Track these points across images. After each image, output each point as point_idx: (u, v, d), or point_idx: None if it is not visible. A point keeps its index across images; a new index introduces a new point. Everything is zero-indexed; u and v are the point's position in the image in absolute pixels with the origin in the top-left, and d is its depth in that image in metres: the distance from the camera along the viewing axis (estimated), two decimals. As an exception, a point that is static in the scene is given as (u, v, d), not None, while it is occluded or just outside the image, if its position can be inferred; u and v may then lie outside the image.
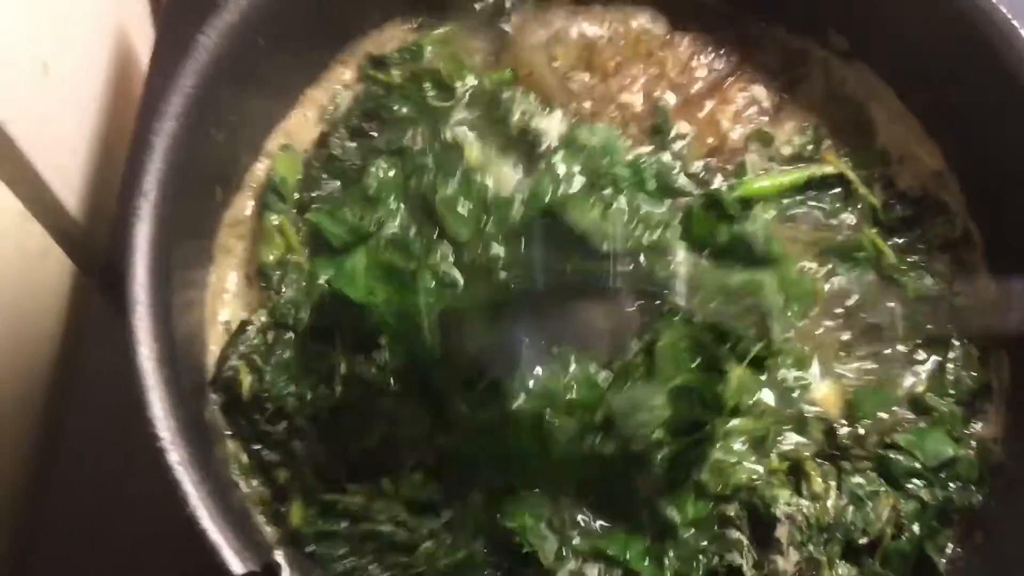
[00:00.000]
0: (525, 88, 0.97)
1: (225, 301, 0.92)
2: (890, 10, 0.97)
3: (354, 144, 0.96)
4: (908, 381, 0.94)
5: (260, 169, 0.96)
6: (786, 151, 1.00)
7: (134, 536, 0.95)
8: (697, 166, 0.98)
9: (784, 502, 0.86)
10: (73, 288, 1.10)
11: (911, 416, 0.93)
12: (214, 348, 0.90)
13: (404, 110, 0.96)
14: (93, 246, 1.11)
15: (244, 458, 0.87)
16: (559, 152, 0.88)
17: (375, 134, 0.96)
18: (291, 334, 0.89)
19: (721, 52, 1.04)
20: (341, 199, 0.93)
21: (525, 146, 0.94)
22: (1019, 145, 0.92)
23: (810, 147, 1.01)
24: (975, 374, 0.95)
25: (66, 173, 1.05)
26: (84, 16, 1.06)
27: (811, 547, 0.86)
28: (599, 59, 1.01)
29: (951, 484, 0.90)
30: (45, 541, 1.00)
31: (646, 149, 0.98)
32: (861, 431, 0.90)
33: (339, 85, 1.00)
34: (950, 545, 0.90)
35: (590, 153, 0.88)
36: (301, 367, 0.87)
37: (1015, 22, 0.89)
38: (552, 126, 0.95)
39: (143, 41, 1.18)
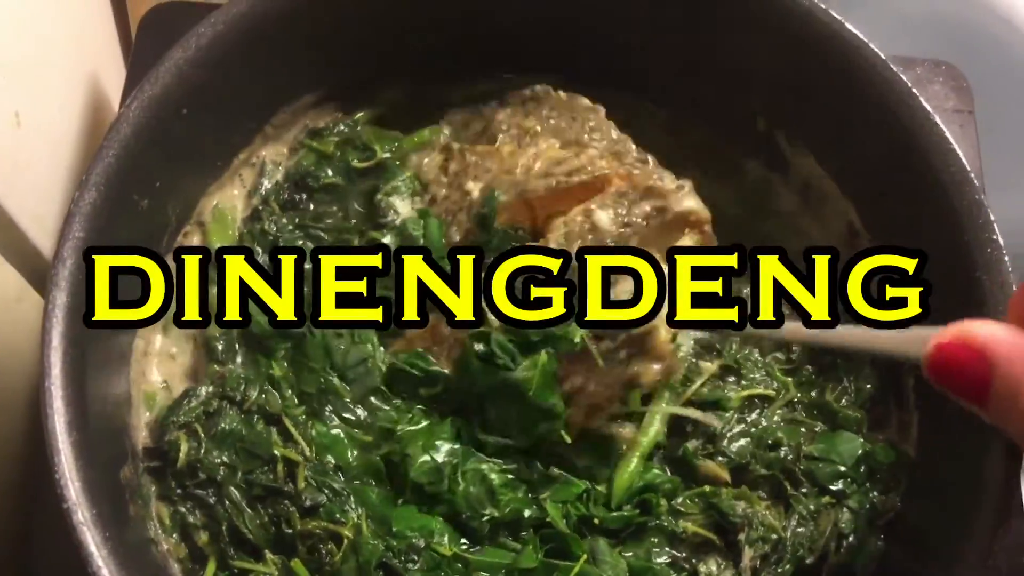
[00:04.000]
0: (415, 172, 1.03)
1: (158, 360, 0.96)
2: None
3: (284, 220, 1.00)
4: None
5: (192, 233, 1.00)
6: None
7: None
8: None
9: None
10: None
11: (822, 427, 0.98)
12: (143, 408, 0.94)
13: (331, 177, 1.02)
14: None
15: (166, 517, 0.90)
16: (389, 234, 0.98)
17: (304, 207, 1.01)
18: (236, 410, 0.92)
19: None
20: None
21: (373, 213, 1.01)
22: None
23: None
24: (871, 382, 0.98)
25: (42, 220, 1.09)
26: (55, 64, 1.10)
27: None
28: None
29: (872, 484, 0.94)
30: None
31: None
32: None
33: (271, 155, 1.04)
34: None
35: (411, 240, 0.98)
36: (243, 447, 0.91)
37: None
38: (404, 209, 1.00)
39: (115, 86, 1.22)
